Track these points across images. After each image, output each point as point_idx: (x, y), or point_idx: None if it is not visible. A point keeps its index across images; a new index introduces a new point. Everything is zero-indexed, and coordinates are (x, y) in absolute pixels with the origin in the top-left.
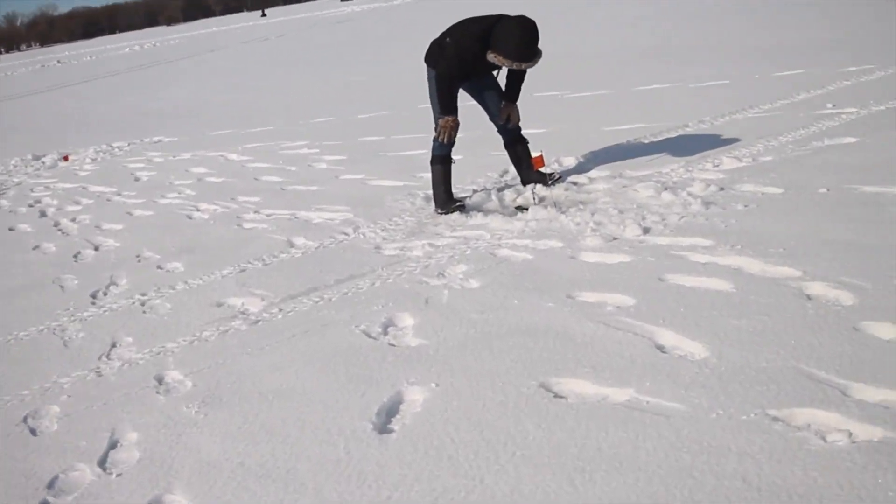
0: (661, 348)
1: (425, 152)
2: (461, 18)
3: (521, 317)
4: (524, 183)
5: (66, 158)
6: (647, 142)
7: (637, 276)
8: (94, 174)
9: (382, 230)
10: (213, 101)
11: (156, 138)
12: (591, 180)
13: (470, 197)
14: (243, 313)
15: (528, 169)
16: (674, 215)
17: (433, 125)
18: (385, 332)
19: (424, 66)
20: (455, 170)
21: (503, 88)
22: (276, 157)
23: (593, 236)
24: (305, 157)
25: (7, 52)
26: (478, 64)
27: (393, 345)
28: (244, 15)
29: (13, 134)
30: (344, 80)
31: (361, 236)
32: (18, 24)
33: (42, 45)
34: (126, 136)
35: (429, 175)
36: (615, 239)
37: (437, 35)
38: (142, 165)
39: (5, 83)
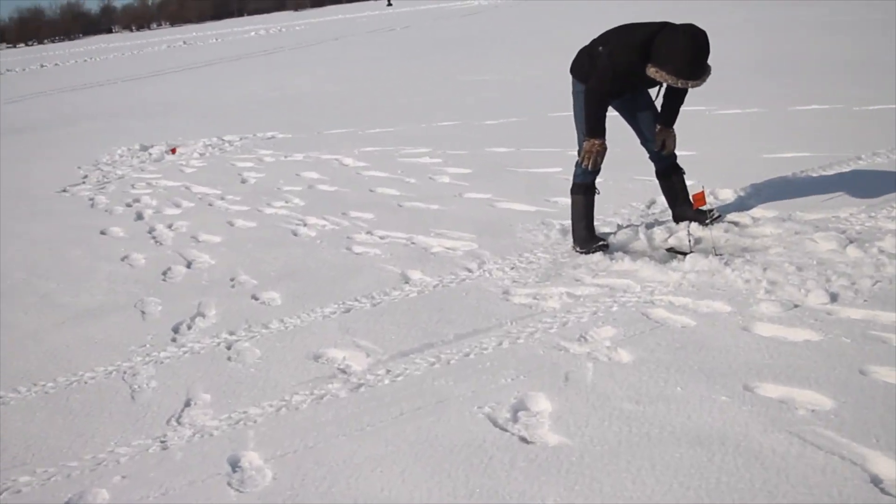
0: (877, 482)
1: (561, 171)
2: (617, 25)
3: (687, 415)
4: (677, 220)
5: (173, 151)
6: (815, 175)
7: (831, 364)
8: (200, 172)
9: (512, 268)
10: (335, 94)
11: (269, 133)
12: (756, 221)
13: (614, 234)
14: (344, 372)
15: (683, 204)
16: (865, 279)
17: (577, 147)
18: (515, 419)
19: (569, 75)
20: (597, 199)
21: (658, 108)
22: (395, 166)
23: (768, 300)
24: (426, 167)
25: (138, 30)
26: (634, 79)
27: (525, 440)
28: (370, 3)
29: (128, 119)
30: (472, 80)
31: (487, 275)
32: (150, 3)
33: (172, 24)
34: (239, 129)
35: (566, 201)
36: (796, 307)
37: (585, 39)
38: (251, 165)
39: (133, 61)
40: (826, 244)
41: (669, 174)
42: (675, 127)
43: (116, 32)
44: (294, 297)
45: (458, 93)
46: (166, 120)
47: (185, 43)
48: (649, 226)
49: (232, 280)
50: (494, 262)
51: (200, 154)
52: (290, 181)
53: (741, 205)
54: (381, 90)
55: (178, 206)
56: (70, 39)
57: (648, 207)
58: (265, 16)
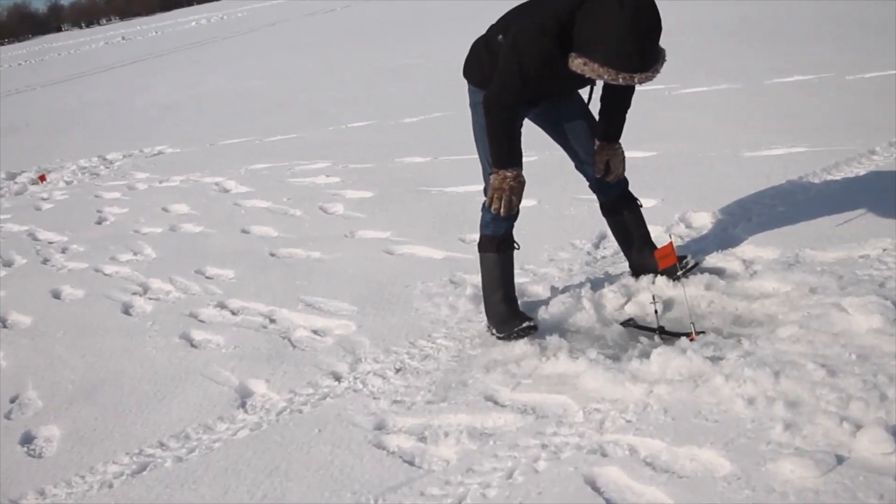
0: None
1: (482, 191)
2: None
3: None
4: (635, 272)
5: (42, 178)
6: (818, 182)
7: None
8: (57, 208)
9: (398, 370)
10: (247, 92)
11: (157, 148)
12: (749, 266)
13: (547, 305)
14: None
15: (643, 250)
16: None
17: (482, 181)
18: None
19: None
20: (521, 240)
21: (595, 116)
22: (283, 190)
23: (789, 448)
24: (319, 191)
25: (87, 26)
26: (555, 78)
27: None
28: None
29: (7, 137)
30: (402, 64)
31: (360, 385)
32: None
33: (122, 18)
34: (128, 143)
35: None
36: (840, 461)
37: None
38: (117, 195)
39: (63, 63)
40: (864, 319)
41: (620, 209)
42: (622, 140)
43: (66, 31)
44: (75, 440)
45: (382, 82)
46: (55, 137)
47: (123, 38)
48: (597, 284)
49: (13, 401)
50: (374, 358)
51: (67, 182)
52: (151, 219)
53: (724, 237)
54: (299, 83)
55: (8, 264)
56: (19, 41)
57: (597, 247)
58: (211, 4)
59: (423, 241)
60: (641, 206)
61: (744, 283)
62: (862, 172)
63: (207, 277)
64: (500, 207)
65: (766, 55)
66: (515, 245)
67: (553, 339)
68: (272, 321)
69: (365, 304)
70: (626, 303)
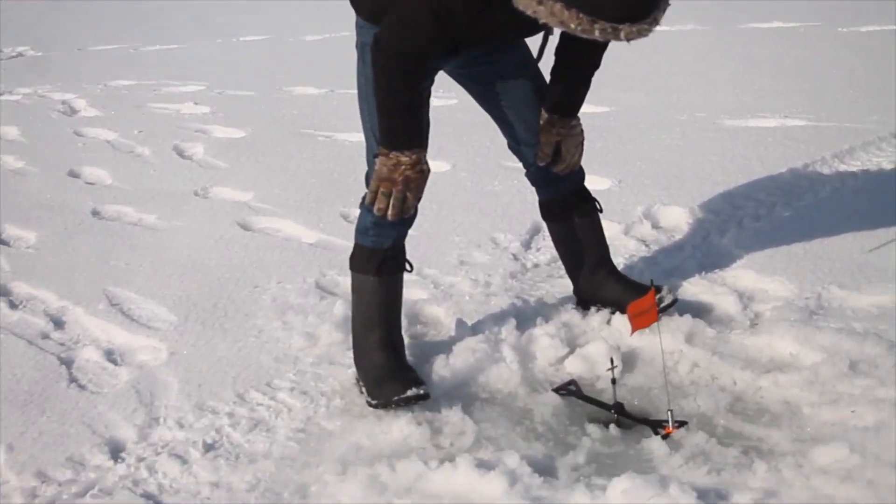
0: None
1: None
2: None
3: None
4: (584, 301)
5: None
6: (828, 174)
7: None
8: None
9: (204, 453)
10: None
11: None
12: (749, 306)
13: (449, 351)
14: None
15: (596, 273)
16: None
17: (365, 165)
18: None
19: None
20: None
21: (545, 77)
22: (138, 118)
23: None
24: (181, 123)
25: None
26: (488, 17)
27: None
28: None
29: None
30: None
31: (133, 483)
32: None
33: None
34: None
35: None
36: None
37: None
38: None
39: None
40: None
41: (568, 212)
42: (580, 113)
43: None
44: None
45: None
46: None
47: None
48: (526, 317)
49: None
50: (179, 418)
51: None
52: None
53: (707, 251)
54: None
55: None
56: None
57: (528, 246)
58: None
59: (293, 212)
60: (601, 209)
61: (743, 336)
62: (887, 164)
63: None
64: (386, 208)
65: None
66: (407, 266)
67: (453, 417)
68: (57, 327)
69: (190, 314)
70: (567, 355)
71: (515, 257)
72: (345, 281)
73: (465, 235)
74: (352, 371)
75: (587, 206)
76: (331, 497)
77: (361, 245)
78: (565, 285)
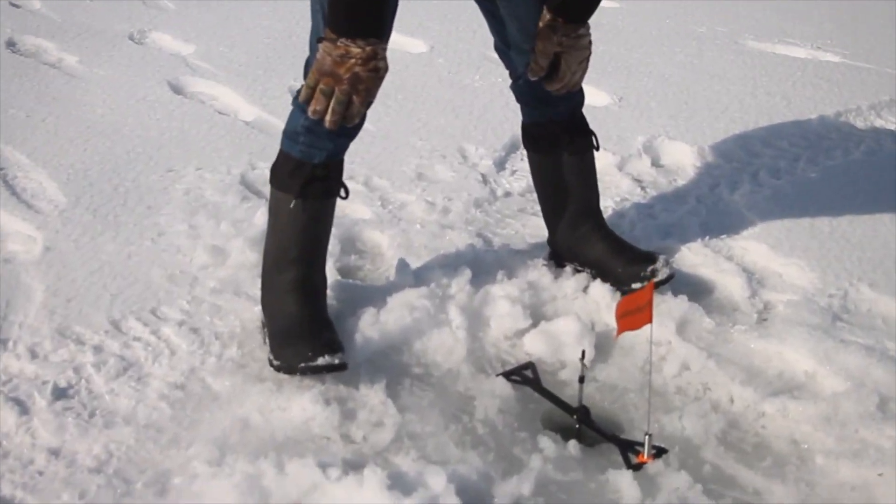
0: None
1: None
2: None
3: None
4: (560, 257)
5: None
6: (864, 127)
7: None
8: None
9: (51, 401)
10: None
11: None
12: (757, 292)
13: (382, 304)
14: None
15: (578, 227)
16: None
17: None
18: None
19: None
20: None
21: None
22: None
23: None
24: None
25: None
26: None
27: None
28: None
29: None
30: None
31: None
32: None
33: None
34: None
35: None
36: None
37: None
38: None
39: None
40: None
41: (555, 144)
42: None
43: None
44: None
45: None
46: None
47: None
48: (484, 269)
49: None
50: (32, 345)
51: None
52: None
53: (713, 208)
54: None
55: None
56: None
57: (502, 166)
58: None
59: (235, 78)
60: (597, 147)
61: (748, 337)
62: None
63: None
64: (324, 112)
65: None
66: (342, 192)
67: (372, 399)
68: None
69: (82, 196)
70: (528, 328)
71: (484, 179)
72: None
73: (429, 140)
74: (258, 309)
75: (581, 142)
76: (195, 497)
77: (287, 154)
78: (539, 227)
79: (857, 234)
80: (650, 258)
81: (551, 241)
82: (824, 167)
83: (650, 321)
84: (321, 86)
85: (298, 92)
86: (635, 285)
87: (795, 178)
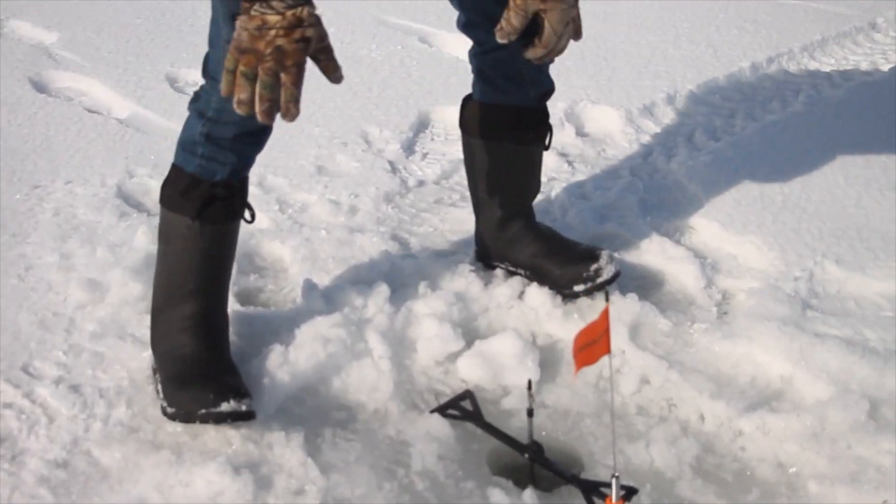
0: None
1: None
2: None
3: None
4: (486, 255)
5: None
6: (815, 74)
7: None
8: None
9: None
10: None
11: None
12: (715, 278)
13: (289, 341)
14: None
15: (505, 228)
16: None
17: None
18: None
19: None
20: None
21: None
22: None
23: None
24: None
25: None
26: None
27: None
28: None
29: None
30: None
31: None
32: None
33: None
34: None
35: None
36: None
37: None
38: None
39: None
40: None
41: (508, 131)
42: None
43: None
44: None
45: None
46: None
47: None
48: (403, 277)
49: None
50: None
51: None
52: None
53: (653, 181)
54: None
55: None
56: None
57: (411, 146)
58: None
59: (103, 68)
60: (548, 146)
61: (711, 337)
62: (865, 65)
63: None
64: (250, 101)
65: None
66: (246, 215)
67: (290, 460)
68: None
69: None
70: (462, 351)
71: (393, 167)
72: (158, 188)
73: (326, 126)
74: (148, 355)
75: (535, 134)
76: None
77: (180, 168)
78: (460, 220)
79: (812, 201)
80: (591, 255)
81: (478, 238)
82: (764, 123)
83: (608, 351)
84: (241, 68)
85: (196, 94)
86: (577, 287)
87: (735, 139)
